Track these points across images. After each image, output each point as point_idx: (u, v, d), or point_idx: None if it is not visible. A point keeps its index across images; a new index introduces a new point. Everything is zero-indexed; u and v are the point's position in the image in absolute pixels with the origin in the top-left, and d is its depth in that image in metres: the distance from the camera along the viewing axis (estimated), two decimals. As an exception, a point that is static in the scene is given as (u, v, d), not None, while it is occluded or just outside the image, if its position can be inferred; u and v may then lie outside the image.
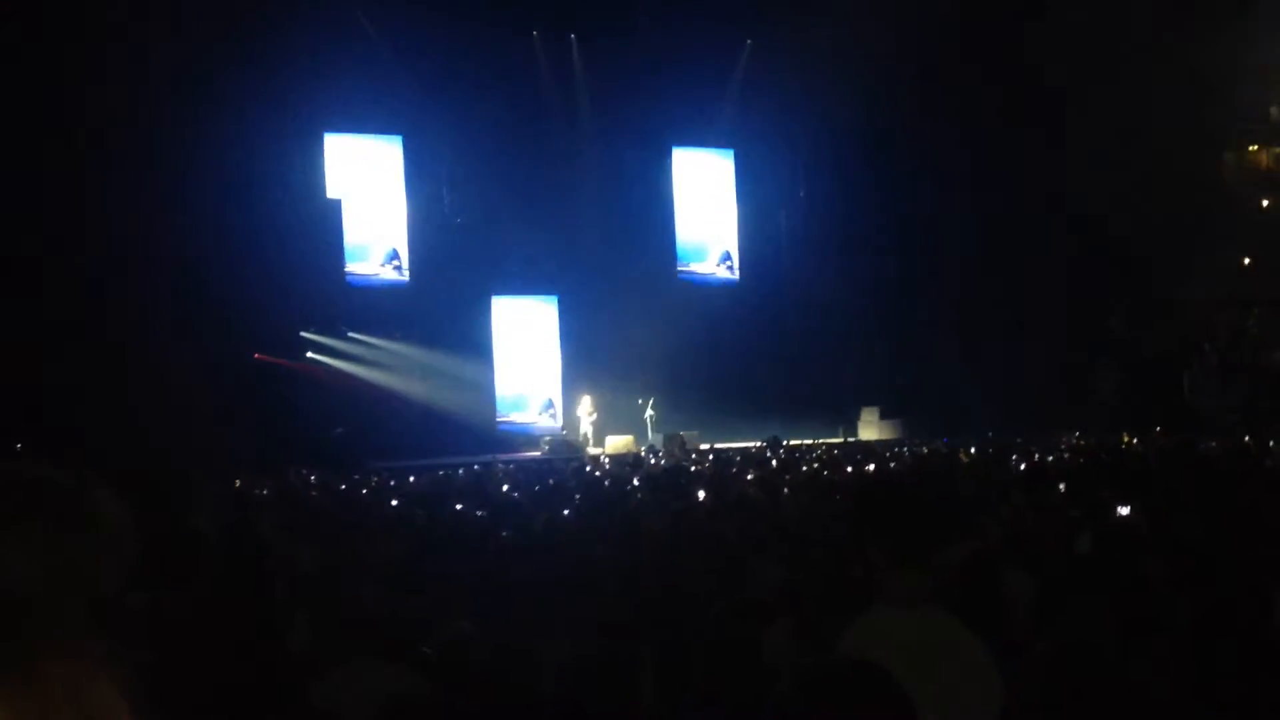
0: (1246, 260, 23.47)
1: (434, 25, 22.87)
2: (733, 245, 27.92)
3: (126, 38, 18.43)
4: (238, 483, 13.51)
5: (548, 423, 24.75)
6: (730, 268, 27.83)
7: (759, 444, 18.91)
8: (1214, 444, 14.10)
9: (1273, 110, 23.54)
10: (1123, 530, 5.81)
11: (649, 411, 23.27)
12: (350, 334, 23.63)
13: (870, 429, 24.42)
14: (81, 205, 19.01)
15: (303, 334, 23.26)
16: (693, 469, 14.34)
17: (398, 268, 25.08)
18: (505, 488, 11.58)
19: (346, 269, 24.72)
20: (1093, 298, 23.83)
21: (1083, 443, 16.89)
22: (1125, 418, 20.09)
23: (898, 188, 24.30)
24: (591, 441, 22.48)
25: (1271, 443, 13.96)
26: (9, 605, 0.62)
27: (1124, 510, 6.54)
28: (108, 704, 0.60)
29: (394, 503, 10.71)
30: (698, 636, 3.45)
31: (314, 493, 12.58)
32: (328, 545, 6.42)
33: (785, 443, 18.73)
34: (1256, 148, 23.95)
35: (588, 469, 15.25)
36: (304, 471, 16.38)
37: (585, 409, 23.19)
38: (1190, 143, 21.82)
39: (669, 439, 21.88)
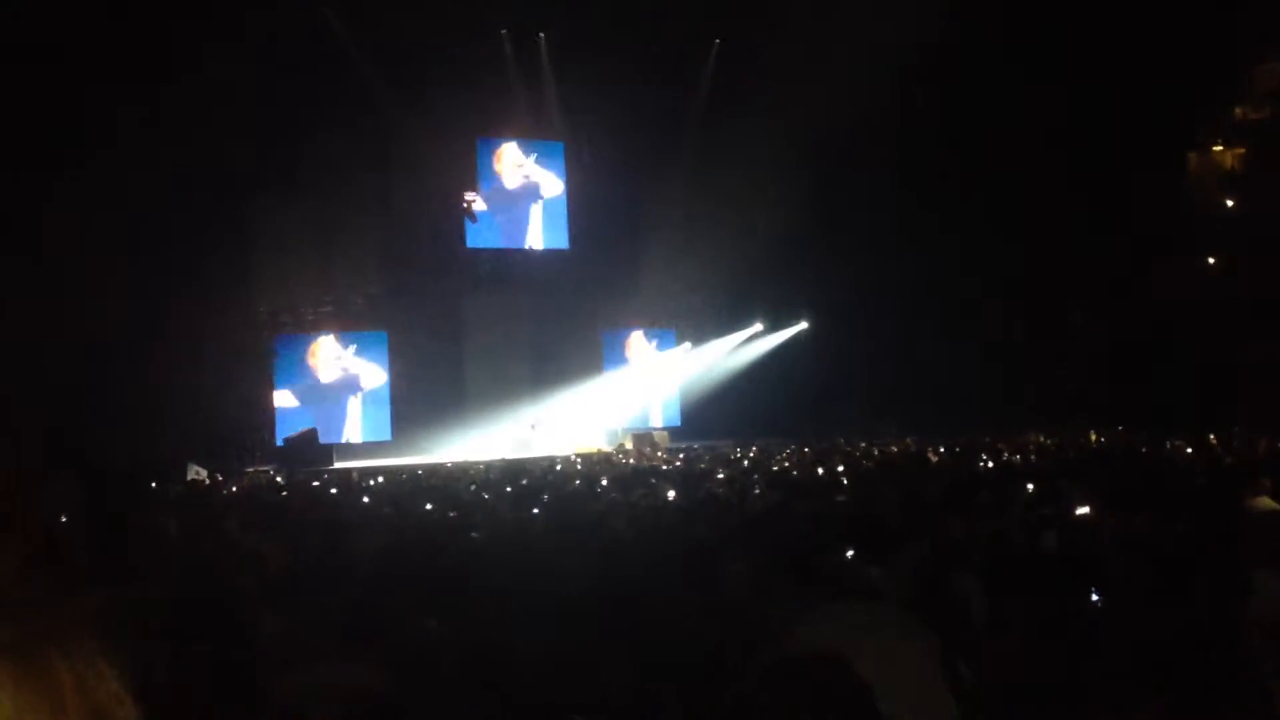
0: (1211, 260, 23.71)
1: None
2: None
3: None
4: (200, 477, 13.47)
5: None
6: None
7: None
8: (1178, 441, 14.26)
9: (1237, 110, 23.77)
10: (1086, 529, 5.86)
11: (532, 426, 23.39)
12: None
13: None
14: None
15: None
16: (663, 468, 14.39)
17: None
18: (474, 487, 11.55)
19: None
20: (1055, 293, 24.04)
21: (1048, 442, 17.02)
22: (1091, 415, 20.24)
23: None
24: (559, 440, 22.56)
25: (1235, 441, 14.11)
26: (11, 602, 0.63)
27: (1083, 510, 6.58)
28: (115, 700, 0.61)
29: (364, 500, 10.71)
30: (666, 635, 3.46)
31: (283, 492, 12.52)
32: (295, 543, 6.40)
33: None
34: (1221, 148, 24.19)
35: (558, 468, 15.25)
36: (269, 470, 16.37)
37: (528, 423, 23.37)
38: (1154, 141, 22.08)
39: (639, 438, 21.92)
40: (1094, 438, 17.45)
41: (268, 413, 22.75)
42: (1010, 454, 14.21)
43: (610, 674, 3.03)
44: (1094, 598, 4.05)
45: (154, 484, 13.25)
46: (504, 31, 24.08)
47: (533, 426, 23.35)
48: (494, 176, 25.61)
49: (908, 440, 18.69)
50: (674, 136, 25.41)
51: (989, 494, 7.68)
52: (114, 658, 0.63)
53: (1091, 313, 23.95)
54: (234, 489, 12.77)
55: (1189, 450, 13.31)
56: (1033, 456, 13.61)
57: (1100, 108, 21.66)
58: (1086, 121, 21.93)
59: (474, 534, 6.88)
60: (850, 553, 3.66)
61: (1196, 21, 20.19)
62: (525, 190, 25.94)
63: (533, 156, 25.89)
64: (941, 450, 15.72)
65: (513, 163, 25.81)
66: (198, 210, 19.47)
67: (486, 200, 25.27)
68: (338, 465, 18.53)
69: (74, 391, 17.09)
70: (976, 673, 2.82)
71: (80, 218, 17.88)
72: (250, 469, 16.45)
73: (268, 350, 22.75)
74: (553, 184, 26.17)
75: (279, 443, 21.74)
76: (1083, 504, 6.70)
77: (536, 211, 26.01)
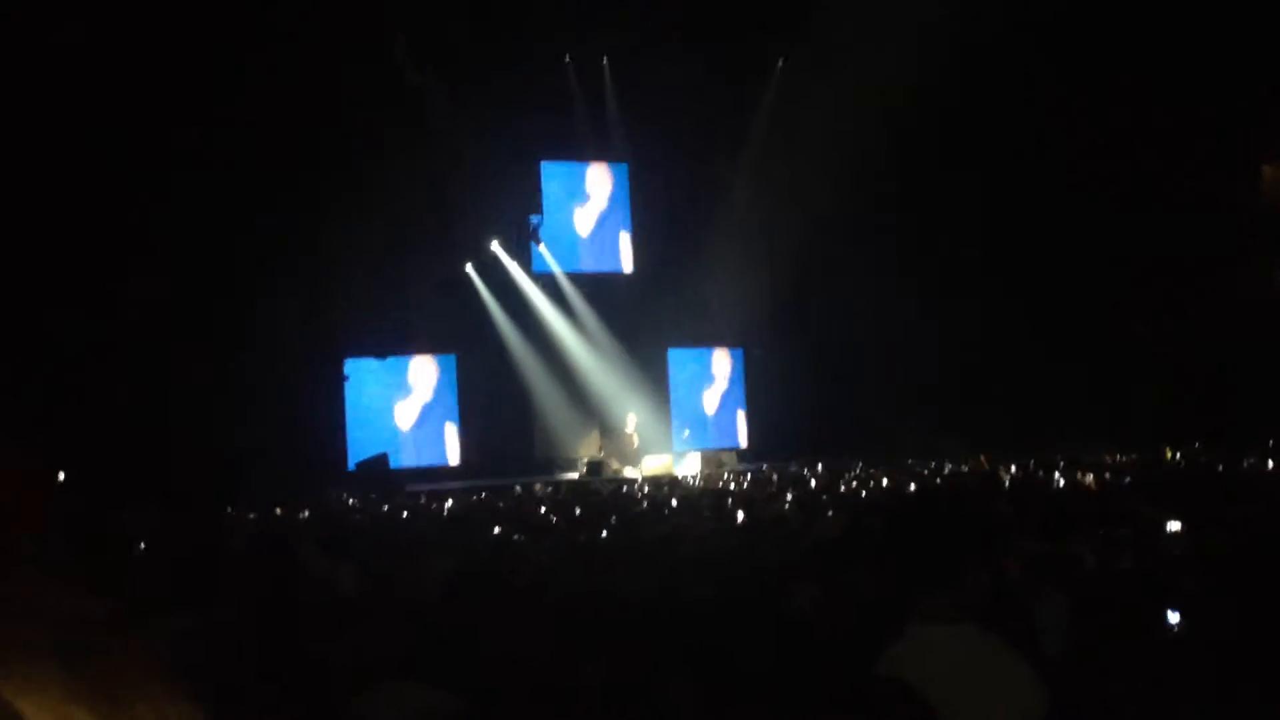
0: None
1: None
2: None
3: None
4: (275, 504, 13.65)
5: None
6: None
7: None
8: (1253, 460, 13.96)
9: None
10: (1163, 547, 5.75)
11: (599, 448, 23.34)
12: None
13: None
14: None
15: None
16: (731, 488, 14.34)
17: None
18: (542, 509, 11.60)
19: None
20: (1126, 308, 23.71)
21: (1124, 459, 16.72)
22: (1166, 431, 19.86)
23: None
24: (631, 461, 22.52)
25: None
26: (95, 630, 0.62)
27: (1174, 526, 6.47)
28: None
29: (434, 523, 10.79)
30: (737, 657, 3.44)
31: (356, 515, 12.66)
32: (367, 566, 6.47)
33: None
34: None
35: (624, 490, 15.26)
36: (344, 494, 16.55)
37: (630, 425, 23.35)
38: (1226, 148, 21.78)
39: (707, 459, 21.85)
40: (1170, 455, 17.11)
41: (339, 437, 22.99)
42: (1083, 473, 13.99)
43: (674, 698, 3.01)
44: (1173, 619, 3.97)
45: (230, 509, 13.44)
46: (567, 58, 24.31)
47: (600, 448, 23.34)
48: (560, 199, 25.77)
49: (980, 458, 18.44)
50: (737, 155, 25.43)
51: (1061, 513, 7.57)
52: (191, 692, 0.63)
53: (1164, 326, 23.52)
54: (308, 513, 12.92)
55: (1270, 467, 13.01)
56: (1106, 475, 13.39)
57: (1173, 113, 21.37)
58: (1159, 127, 21.63)
59: (541, 556, 6.91)
60: (923, 574, 3.62)
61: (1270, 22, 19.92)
62: (590, 213, 26.07)
63: (601, 177, 26.04)
64: (1014, 469, 15.51)
65: (580, 186, 25.98)
66: (267, 237, 19.79)
67: (551, 223, 25.42)
68: (408, 488, 18.67)
69: (150, 418, 17.42)
70: (1054, 696, 2.77)
71: (156, 248, 18.29)
72: (323, 493, 16.62)
73: (338, 374, 23.01)
74: (618, 206, 26.27)
75: (351, 467, 21.97)
76: (1170, 520, 6.59)
77: (603, 234, 26.12)
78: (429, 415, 24.15)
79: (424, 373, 24.22)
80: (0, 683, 0.54)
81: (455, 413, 24.26)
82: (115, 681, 0.59)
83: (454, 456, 24.10)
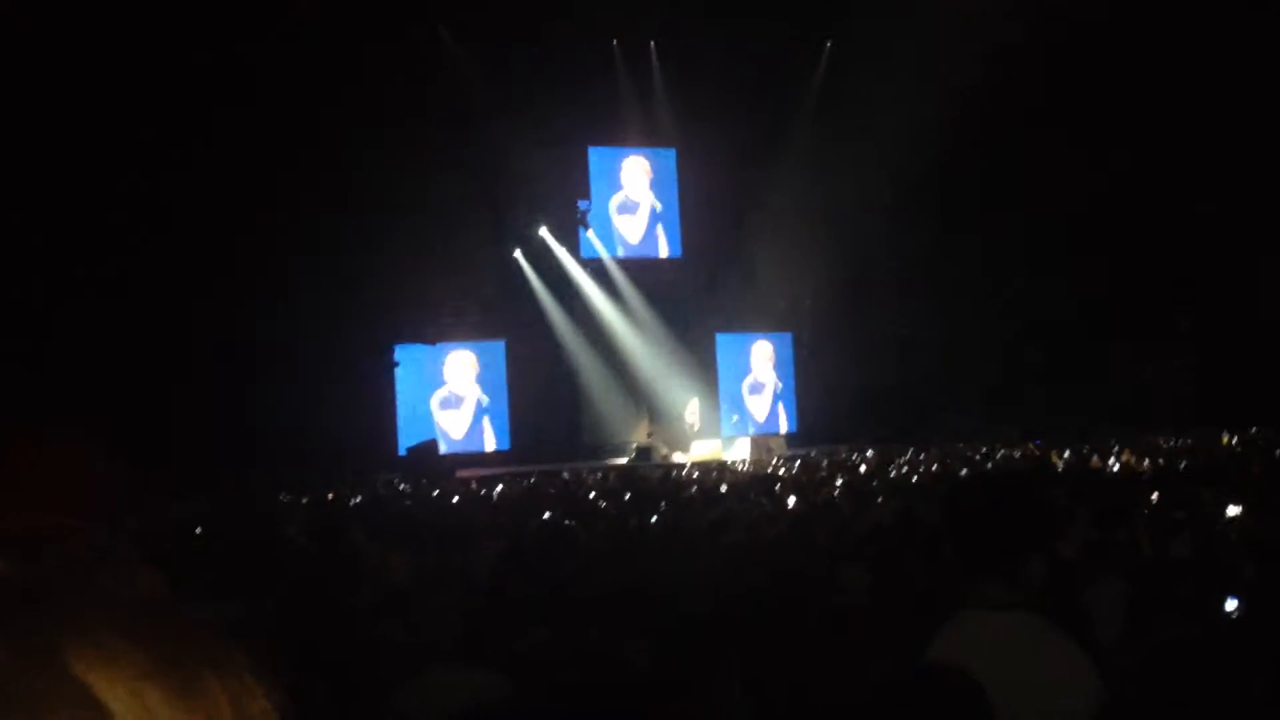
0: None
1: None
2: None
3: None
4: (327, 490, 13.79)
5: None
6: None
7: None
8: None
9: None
10: (1222, 533, 5.66)
11: (649, 434, 23.25)
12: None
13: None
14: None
15: None
16: (781, 474, 14.30)
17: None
18: (591, 495, 11.61)
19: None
20: (1166, 292, 23.41)
21: (1180, 444, 16.50)
22: (1210, 416, 19.59)
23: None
24: (683, 447, 22.53)
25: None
26: (162, 610, 0.62)
27: (1234, 510, 6.37)
28: (265, 716, 0.60)
29: (483, 509, 10.83)
30: (787, 645, 3.42)
31: (406, 501, 12.74)
32: (417, 552, 6.50)
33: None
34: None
35: (675, 475, 15.25)
36: (395, 479, 16.67)
37: (692, 412, 23.37)
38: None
39: (757, 444, 21.80)
40: (1226, 440, 16.86)
41: (390, 423, 23.18)
42: (1138, 458, 13.82)
43: (721, 685, 3.00)
44: (1231, 606, 3.90)
45: (281, 496, 13.59)
46: (614, 42, 24.28)
47: (649, 434, 23.37)
48: (608, 185, 25.78)
49: (1031, 444, 18.27)
50: (785, 139, 25.29)
51: (1117, 499, 7.47)
52: (261, 672, 0.63)
53: (1216, 313, 23.17)
54: (359, 499, 13.03)
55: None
56: (1161, 460, 13.21)
57: (1226, 105, 21.04)
58: (1203, 114, 21.30)
59: (592, 542, 6.91)
60: (977, 561, 3.58)
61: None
62: (639, 199, 26.07)
63: (646, 164, 26.04)
64: (1067, 454, 15.35)
65: (627, 173, 25.98)
66: (318, 227, 19.95)
67: (599, 209, 25.45)
68: (458, 474, 18.79)
69: (201, 406, 17.63)
70: (1109, 684, 2.73)
71: (210, 239, 18.48)
72: (374, 479, 16.75)
73: (389, 361, 23.18)
74: (665, 191, 26.27)
75: (401, 453, 22.15)
76: (1229, 506, 6.49)
77: (650, 219, 26.10)
78: (467, 401, 24.30)
79: (465, 362, 24.32)
80: (72, 660, 0.54)
81: (504, 399, 24.36)
82: (185, 658, 0.59)
83: (499, 443, 24.22)
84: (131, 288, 17.47)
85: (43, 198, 16.64)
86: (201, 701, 0.56)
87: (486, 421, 24.25)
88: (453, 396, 24.10)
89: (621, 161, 26.04)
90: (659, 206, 26.21)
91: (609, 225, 25.75)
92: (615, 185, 25.95)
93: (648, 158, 26.16)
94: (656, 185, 26.25)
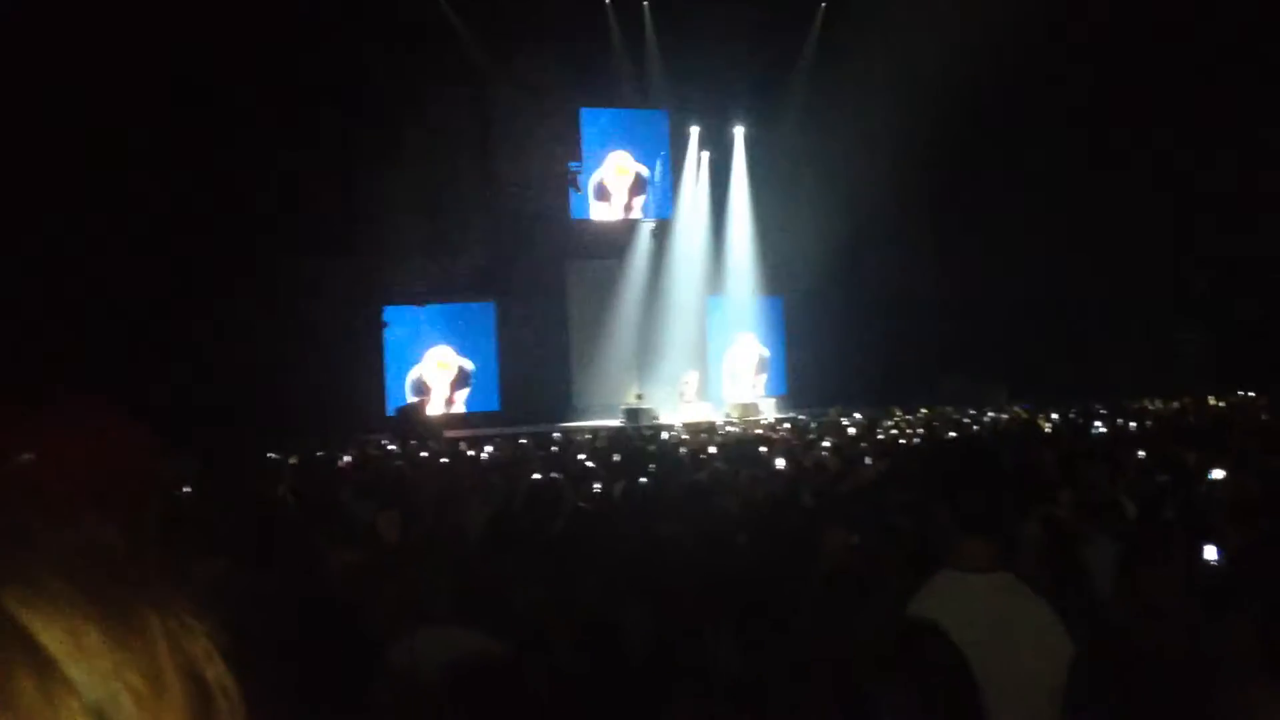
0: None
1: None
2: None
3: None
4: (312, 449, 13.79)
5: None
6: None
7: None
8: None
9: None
10: (1205, 495, 5.71)
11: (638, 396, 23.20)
12: None
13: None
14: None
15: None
16: (771, 436, 14.34)
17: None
18: (581, 456, 11.63)
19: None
20: (1177, 257, 23.37)
21: (1167, 407, 16.59)
22: (1213, 382, 19.64)
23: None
24: (671, 408, 22.53)
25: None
26: (102, 552, 0.63)
27: (1218, 474, 6.40)
28: (206, 657, 0.61)
29: (473, 469, 10.85)
30: (777, 605, 3.45)
31: (396, 461, 12.75)
32: (406, 512, 6.52)
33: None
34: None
35: (664, 437, 15.28)
36: (384, 439, 16.69)
37: (691, 384, 23.31)
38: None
39: (746, 407, 21.85)
40: (1213, 403, 16.95)
41: (378, 383, 23.16)
42: (1125, 421, 13.89)
43: (714, 642, 3.03)
44: (1210, 554, 3.95)
45: (270, 455, 13.59)
46: (607, 2, 24.08)
47: (639, 395, 23.39)
48: (599, 145, 25.64)
49: (1019, 409, 18.34)
50: (779, 101, 25.18)
51: (1104, 461, 7.52)
52: (203, 615, 0.64)
53: (1213, 279, 23.16)
54: (347, 459, 13.04)
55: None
56: (1148, 423, 13.29)
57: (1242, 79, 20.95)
58: (1223, 90, 21.21)
59: (581, 504, 6.94)
60: (962, 521, 3.61)
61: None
62: (630, 159, 25.96)
63: (637, 125, 25.91)
64: (1055, 417, 15.42)
65: (619, 132, 25.88)
66: (303, 185, 19.86)
67: (590, 169, 25.35)
68: (447, 434, 18.80)
69: (190, 365, 17.62)
70: (1095, 642, 2.77)
71: (198, 200, 18.40)
72: (362, 440, 16.76)
73: (377, 321, 23.14)
74: (654, 156, 26.13)
75: (389, 413, 22.14)
76: (1216, 468, 6.53)
77: (643, 180, 25.98)
78: (457, 362, 24.29)
79: (457, 320, 24.29)
80: (6, 599, 0.55)
81: (494, 360, 24.35)
82: (127, 601, 0.60)
83: (488, 404, 24.21)
84: (117, 245, 17.39)
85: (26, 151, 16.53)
86: (142, 641, 0.58)
87: (466, 380, 24.20)
88: (433, 355, 24.07)
89: (615, 121, 25.83)
90: (645, 172, 26.04)
91: (600, 186, 25.63)
92: (607, 145, 25.76)
93: (641, 118, 25.95)
94: (649, 146, 26.06)
